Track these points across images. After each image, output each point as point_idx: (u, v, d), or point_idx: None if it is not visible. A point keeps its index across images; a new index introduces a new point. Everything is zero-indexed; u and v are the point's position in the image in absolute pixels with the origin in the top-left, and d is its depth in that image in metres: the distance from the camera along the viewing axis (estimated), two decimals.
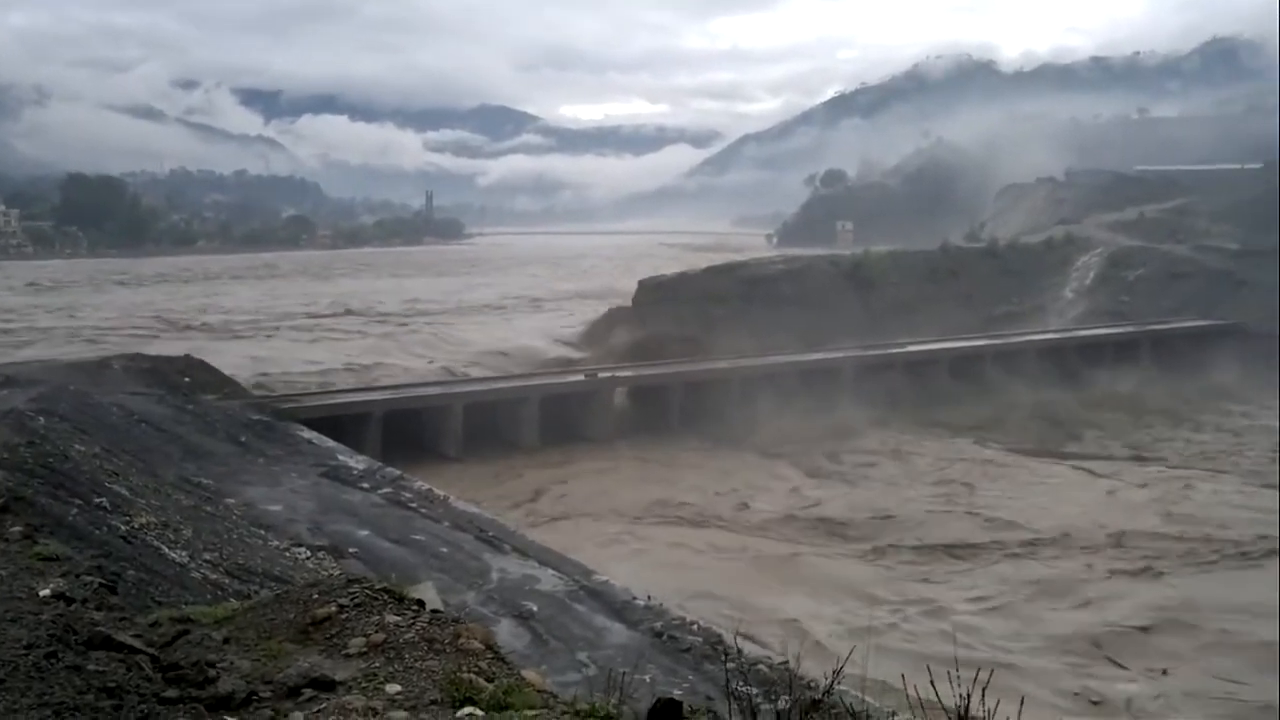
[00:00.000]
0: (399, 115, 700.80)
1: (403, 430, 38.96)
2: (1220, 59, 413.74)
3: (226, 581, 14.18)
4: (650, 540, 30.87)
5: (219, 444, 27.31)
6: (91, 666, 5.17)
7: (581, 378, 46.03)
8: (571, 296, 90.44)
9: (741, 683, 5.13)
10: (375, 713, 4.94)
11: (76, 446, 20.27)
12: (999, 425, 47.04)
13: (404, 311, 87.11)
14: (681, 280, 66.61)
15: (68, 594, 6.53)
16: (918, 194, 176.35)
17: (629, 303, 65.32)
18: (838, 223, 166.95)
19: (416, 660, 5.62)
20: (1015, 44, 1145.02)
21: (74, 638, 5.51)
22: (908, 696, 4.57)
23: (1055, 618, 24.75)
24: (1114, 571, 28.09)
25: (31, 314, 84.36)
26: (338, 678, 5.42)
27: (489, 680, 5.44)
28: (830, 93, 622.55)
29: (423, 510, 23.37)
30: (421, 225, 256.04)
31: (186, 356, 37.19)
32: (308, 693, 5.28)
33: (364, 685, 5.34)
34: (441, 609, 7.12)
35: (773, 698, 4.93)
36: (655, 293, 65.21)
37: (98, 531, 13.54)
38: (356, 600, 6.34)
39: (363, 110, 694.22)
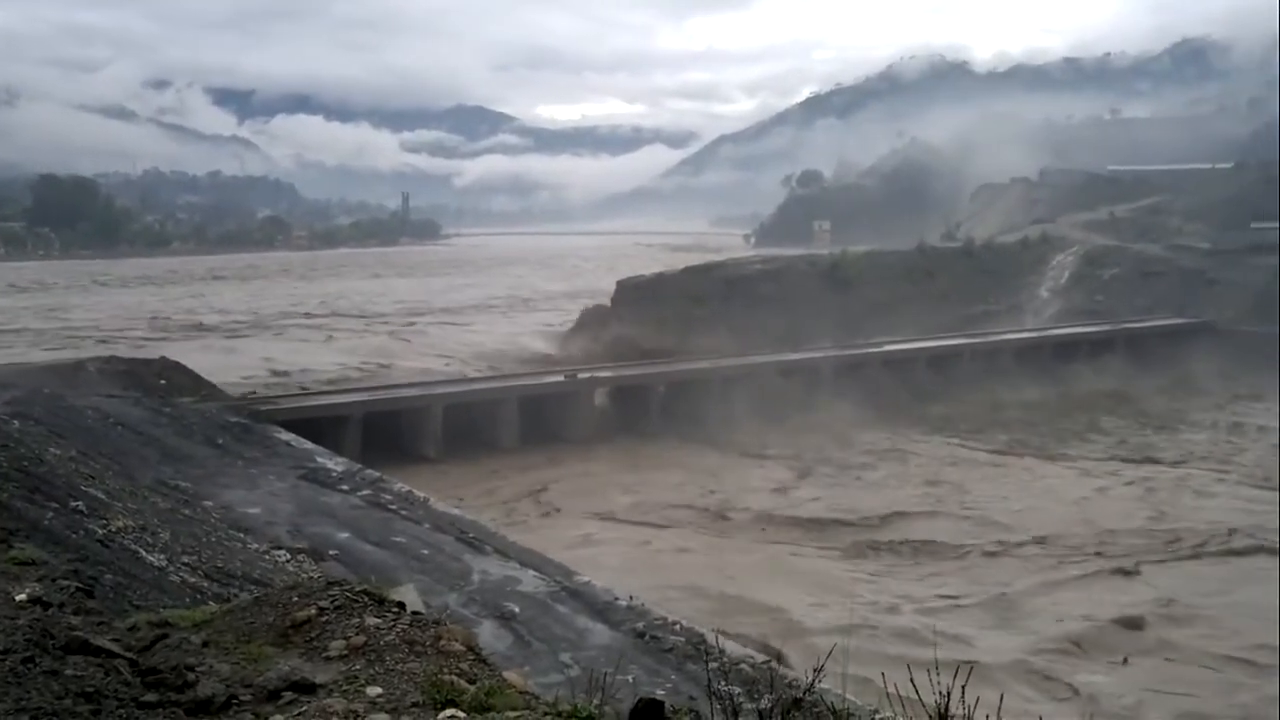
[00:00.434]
0: (374, 115, 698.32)
1: (382, 432, 38.80)
2: (1190, 60, 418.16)
3: (205, 585, 14.09)
4: (627, 540, 30.85)
5: (196, 447, 27.14)
6: (69, 671, 5.13)
7: (561, 378, 45.97)
8: (560, 296, 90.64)
9: (724, 682, 5.14)
10: (356, 715, 4.92)
11: (52, 450, 20.09)
12: (977, 423, 47.37)
13: (400, 312, 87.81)
14: (660, 280, 66.74)
15: (44, 598, 6.47)
16: (894, 194, 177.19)
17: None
18: (815, 223, 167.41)
19: (397, 662, 5.60)
20: (988, 45, 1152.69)
21: (51, 642, 5.46)
22: (887, 694, 4.60)
23: (1030, 616, 24.92)
24: (1093, 569, 28.29)
25: (20, 316, 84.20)
26: (318, 681, 5.40)
27: (471, 682, 5.43)
28: (806, 93, 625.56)
29: (403, 512, 23.30)
30: (398, 226, 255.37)
31: (162, 358, 36.95)
32: (288, 696, 5.25)
33: (345, 688, 5.31)
34: (423, 611, 7.10)
35: (755, 697, 4.94)
36: (634, 293, 65.28)
37: (74, 535, 13.44)
38: (337, 603, 6.32)
39: (337, 110, 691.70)
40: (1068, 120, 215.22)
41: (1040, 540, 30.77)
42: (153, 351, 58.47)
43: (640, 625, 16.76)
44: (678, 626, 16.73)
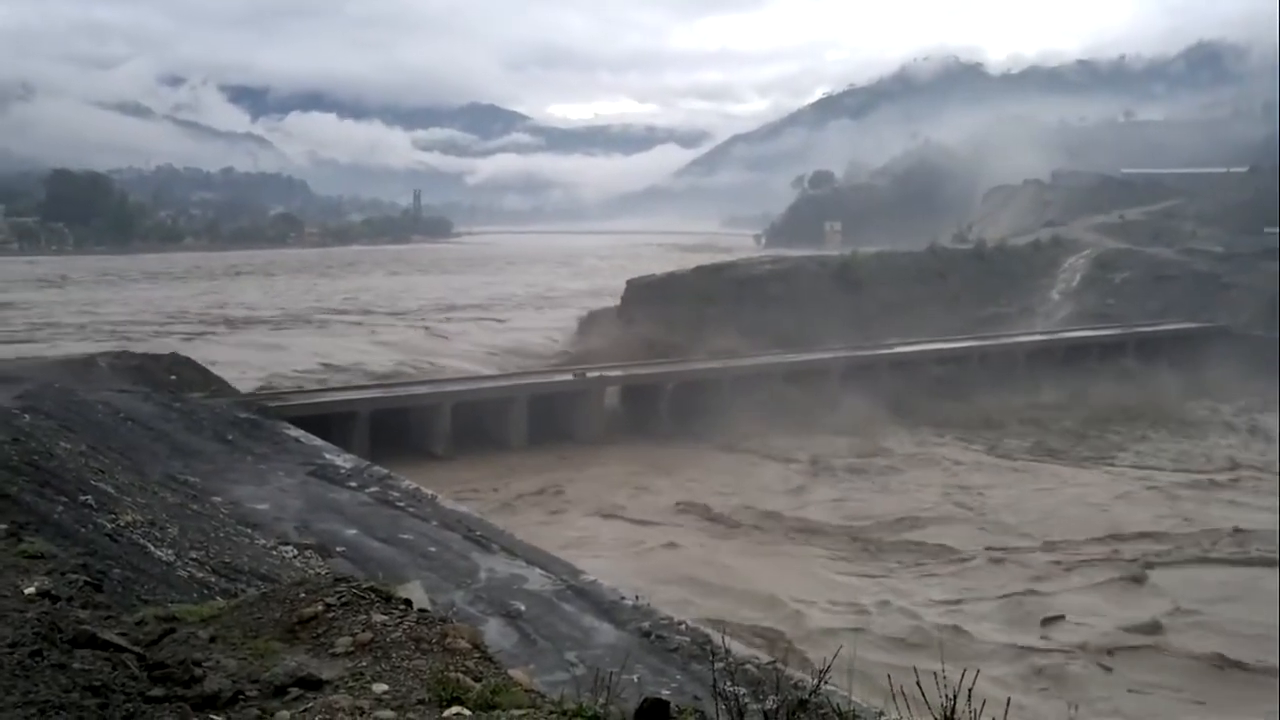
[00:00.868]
0: (387, 113, 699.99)
1: (390, 429, 38.86)
2: (1205, 63, 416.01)
3: (213, 580, 14.13)
4: (631, 539, 30.86)
5: (206, 442, 27.22)
6: (77, 665, 5.14)
7: (570, 377, 45.97)
8: (584, 294, 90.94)
9: (729, 682, 5.14)
10: (362, 712, 4.93)
11: (62, 444, 20.17)
12: (988, 426, 47.25)
13: (430, 308, 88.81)
14: (671, 280, 66.70)
15: (53, 592, 6.50)
16: (905, 195, 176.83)
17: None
18: (826, 223, 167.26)
19: (404, 659, 5.61)
20: (1002, 47, 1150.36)
21: (59, 636, 5.48)
22: (894, 697, 4.58)
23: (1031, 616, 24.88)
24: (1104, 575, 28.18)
25: (54, 310, 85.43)
26: (324, 677, 5.41)
27: (476, 680, 5.43)
28: (819, 94, 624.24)
29: (410, 509, 23.33)
30: (410, 224, 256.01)
31: (173, 354, 37.08)
32: (294, 692, 5.26)
33: (351, 684, 5.32)
34: (429, 608, 7.12)
35: (760, 697, 4.92)
36: (645, 292, 65.26)
37: (83, 529, 13.49)
38: (344, 599, 6.33)
39: (351, 108, 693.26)
40: (1081, 122, 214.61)
41: (1052, 545, 30.65)
42: (200, 346, 60.17)
43: (646, 625, 16.76)
44: (683, 626, 16.73)
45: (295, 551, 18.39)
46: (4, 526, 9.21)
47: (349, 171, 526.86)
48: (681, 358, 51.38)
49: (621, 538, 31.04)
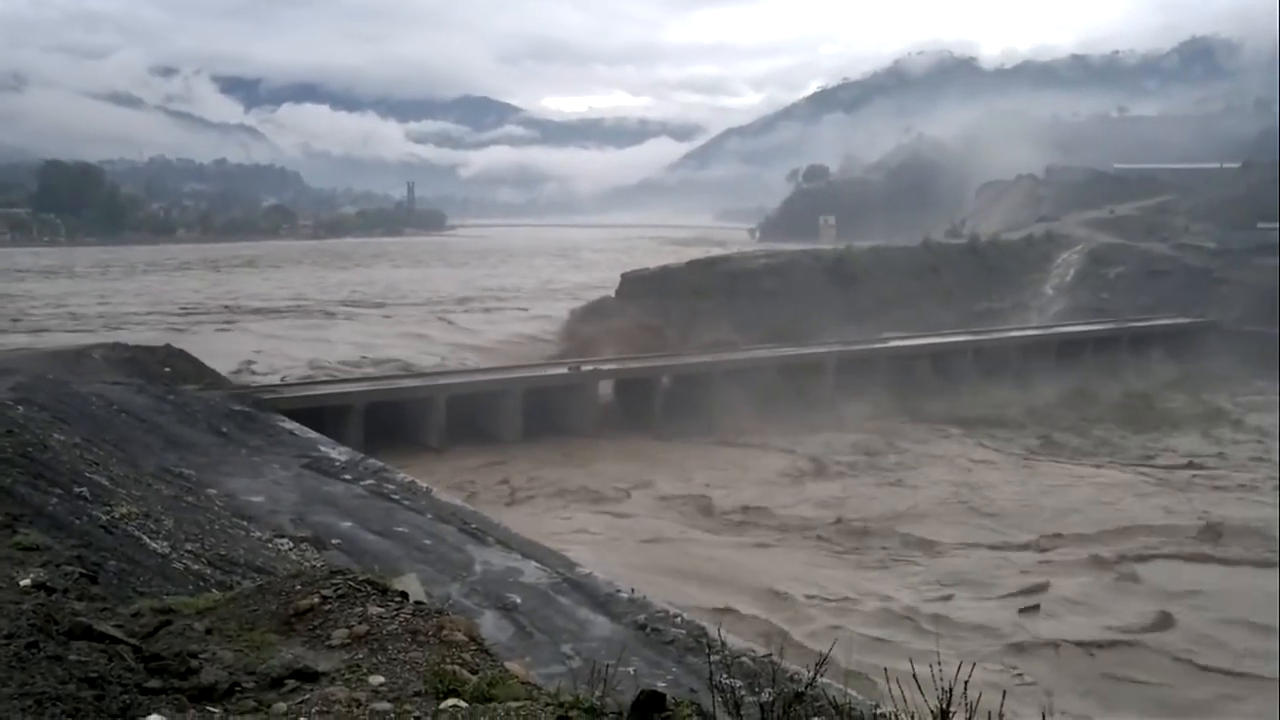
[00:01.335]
0: (381, 105, 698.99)
1: (385, 422, 38.83)
2: (1198, 58, 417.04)
3: (208, 572, 14.11)
4: (623, 531, 30.89)
5: (200, 434, 27.17)
6: (73, 657, 5.14)
7: (565, 371, 45.96)
8: (589, 287, 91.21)
9: (725, 675, 5.15)
10: (359, 704, 4.93)
11: (56, 436, 20.11)
12: (980, 420, 47.33)
13: (443, 299, 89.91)
14: (665, 274, 66.70)
15: (48, 584, 6.49)
16: (899, 190, 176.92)
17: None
18: (820, 218, 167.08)
19: (400, 652, 5.61)
20: (996, 41, 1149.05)
21: (55, 628, 5.48)
22: (890, 690, 4.60)
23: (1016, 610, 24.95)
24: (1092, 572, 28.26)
25: (67, 300, 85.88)
26: (321, 669, 5.41)
27: (473, 672, 5.44)
28: (813, 88, 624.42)
29: (405, 502, 23.33)
30: (403, 216, 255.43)
31: (167, 346, 36.99)
32: (291, 684, 5.26)
33: (347, 676, 5.33)
34: (425, 601, 7.12)
35: (756, 690, 4.94)
36: (639, 286, 65.25)
37: (78, 521, 13.46)
38: (339, 591, 6.33)
39: (344, 100, 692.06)
40: (1075, 118, 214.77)
41: (1049, 541, 30.71)
42: (233, 336, 60.59)
43: (642, 617, 16.79)
44: (679, 619, 16.76)
45: (291, 544, 18.37)
46: None
47: (342, 163, 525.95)
48: (675, 351, 51.38)
49: (613, 530, 31.05)
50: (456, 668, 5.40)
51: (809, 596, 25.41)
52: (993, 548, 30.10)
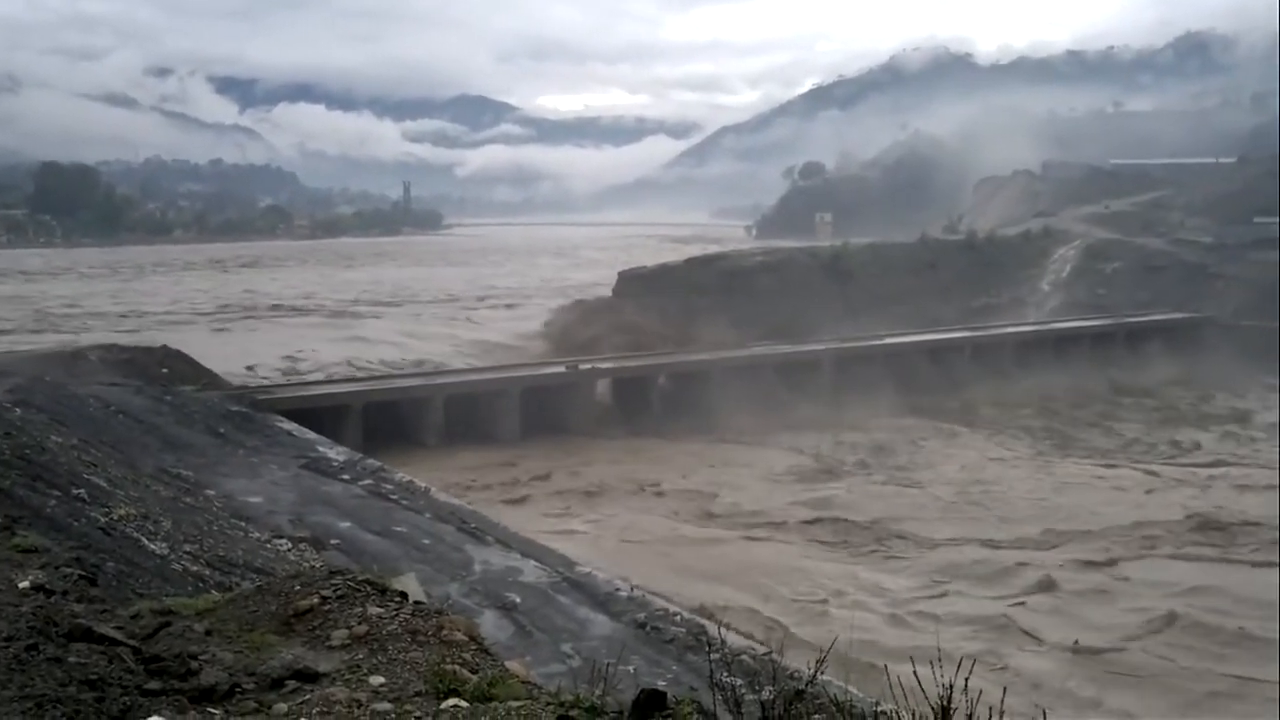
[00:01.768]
0: (377, 104, 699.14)
1: (383, 422, 38.80)
2: (1193, 53, 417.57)
3: (207, 573, 14.10)
4: (622, 528, 30.90)
5: (198, 435, 27.13)
6: (73, 659, 5.13)
7: (562, 369, 45.95)
8: (599, 284, 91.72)
9: (725, 673, 5.15)
10: (359, 704, 4.93)
11: (54, 438, 20.08)
12: (977, 415, 47.40)
13: (462, 298, 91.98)
14: (662, 272, 66.70)
15: (47, 586, 6.49)
16: (896, 186, 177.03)
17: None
18: (817, 215, 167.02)
19: (400, 652, 5.61)
20: (992, 37, 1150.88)
21: (55, 630, 5.47)
22: (890, 687, 4.60)
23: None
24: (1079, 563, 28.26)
25: (85, 300, 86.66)
26: (321, 669, 5.41)
27: (473, 672, 5.44)
28: (808, 85, 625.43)
29: (404, 502, 23.31)
30: (400, 216, 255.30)
31: (164, 347, 36.91)
32: (291, 684, 5.26)
33: (347, 677, 5.32)
34: (424, 601, 7.11)
35: (757, 688, 4.95)
36: (636, 284, 65.24)
37: (77, 523, 13.44)
38: (339, 592, 6.32)
39: (340, 99, 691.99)
40: (1070, 113, 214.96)
41: (1053, 538, 30.71)
42: (270, 336, 60.94)
43: (641, 616, 16.79)
44: (679, 618, 16.76)
45: (289, 544, 18.36)
46: None
47: (338, 163, 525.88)
48: (672, 350, 51.38)
49: (613, 528, 31.04)
50: (457, 667, 5.40)
51: (805, 593, 25.44)
52: (995, 545, 30.05)
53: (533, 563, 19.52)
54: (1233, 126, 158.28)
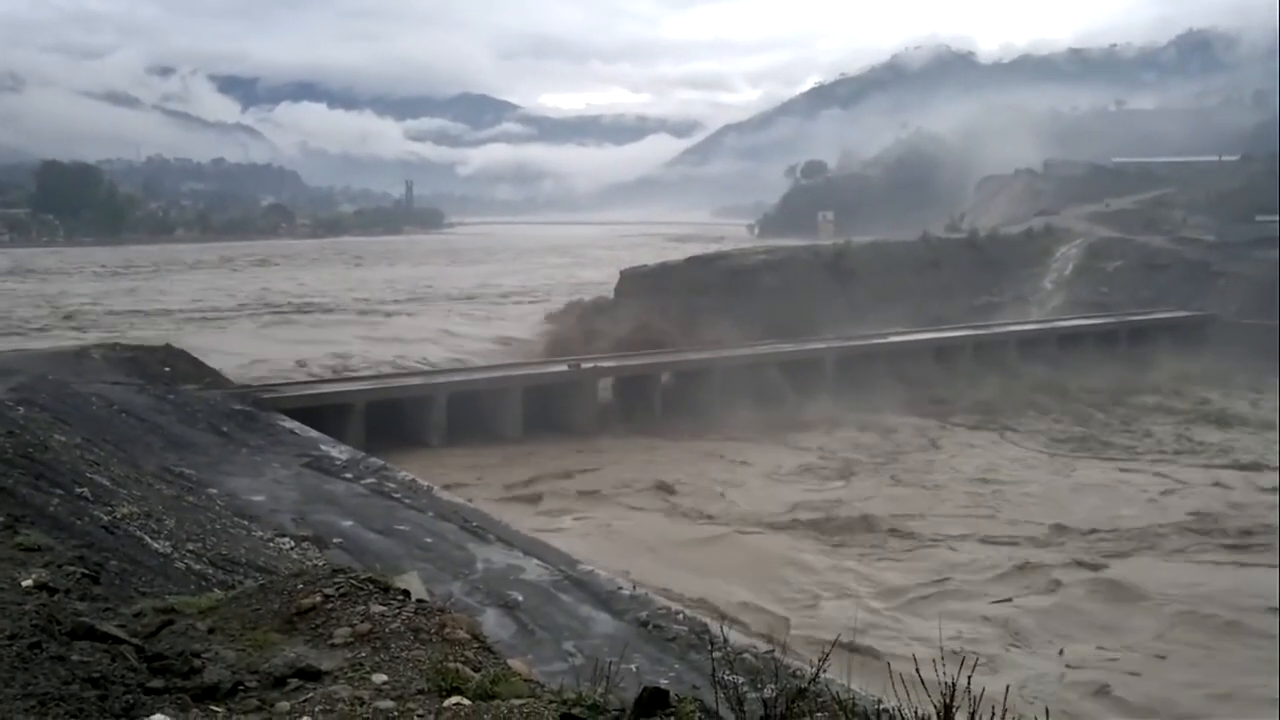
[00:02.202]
0: (378, 103, 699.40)
1: (385, 420, 38.83)
2: (1195, 51, 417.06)
3: (210, 572, 14.11)
4: (623, 527, 30.89)
5: (201, 434, 27.16)
6: (76, 657, 5.15)
7: (564, 368, 45.95)
8: (605, 282, 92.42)
9: (728, 671, 5.15)
10: (362, 702, 4.94)
11: (57, 436, 20.11)
12: (980, 414, 47.31)
13: (483, 295, 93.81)
14: (664, 270, 66.71)
15: (50, 584, 6.50)
16: (898, 184, 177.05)
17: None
18: (819, 213, 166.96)
19: (402, 650, 5.62)
20: (994, 36, 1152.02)
21: (58, 628, 5.49)
22: (893, 685, 4.60)
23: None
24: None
25: (109, 297, 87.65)
26: (324, 668, 5.42)
27: (475, 670, 5.45)
28: (810, 83, 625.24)
29: (407, 500, 23.32)
30: (401, 214, 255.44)
31: (167, 346, 36.95)
32: (294, 683, 5.27)
33: (350, 675, 5.33)
34: (427, 599, 7.12)
35: (759, 686, 4.95)
36: (638, 283, 65.24)
37: (79, 522, 13.46)
38: (342, 590, 6.33)
39: (342, 98, 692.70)
40: (1073, 111, 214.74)
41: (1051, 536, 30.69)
42: (308, 335, 63.54)
43: (644, 614, 16.79)
44: (681, 616, 16.77)
45: (292, 543, 18.37)
46: (0, 519, 9.20)
47: (339, 162, 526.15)
48: (675, 348, 51.38)
49: (615, 527, 31.04)
50: (459, 666, 5.41)
51: (806, 590, 25.46)
52: (1000, 543, 30.00)
53: (535, 561, 19.53)
54: (1235, 124, 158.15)
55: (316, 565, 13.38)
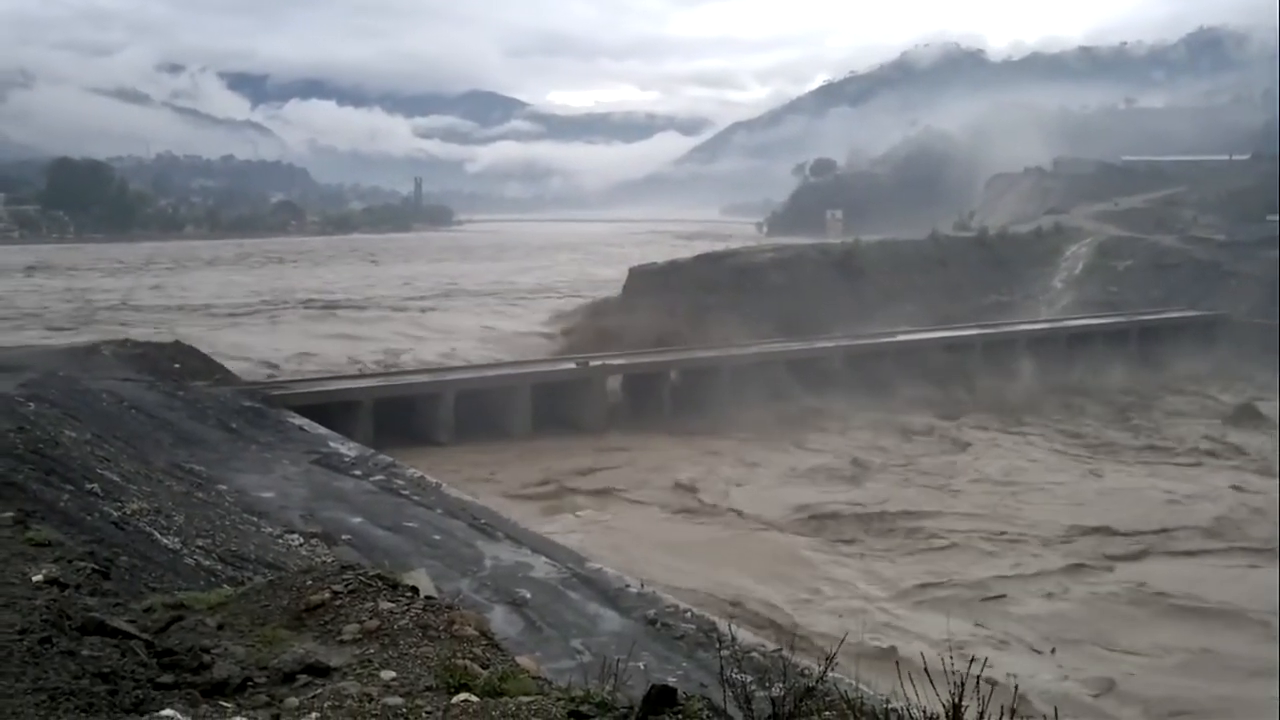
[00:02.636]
0: (388, 100, 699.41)
1: (394, 418, 38.86)
2: (1206, 49, 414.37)
3: (219, 568, 14.16)
4: (629, 524, 30.90)
5: (210, 430, 27.25)
6: (86, 652, 5.17)
7: (573, 366, 45.95)
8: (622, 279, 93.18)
9: (736, 670, 5.16)
10: (370, 699, 4.95)
11: (67, 432, 20.20)
12: (988, 413, 47.18)
13: (512, 291, 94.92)
14: (672, 268, 66.64)
15: (61, 579, 6.53)
16: (907, 183, 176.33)
17: None
18: (827, 211, 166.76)
19: (411, 646, 5.63)
20: (1004, 33, 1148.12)
21: (68, 623, 5.51)
22: (901, 685, 4.60)
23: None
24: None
25: (136, 293, 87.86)
26: (332, 664, 5.43)
27: (484, 667, 5.46)
28: (819, 81, 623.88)
29: (415, 497, 23.37)
30: (411, 212, 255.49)
31: (176, 343, 37.08)
32: (303, 679, 5.29)
33: (359, 671, 5.35)
34: (435, 596, 7.14)
35: (767, 685, 4.95)
36: (646, 281, 65.19)
37: (89, 518, 13.51)
38: (350, 587, 6.35)
39: (351, 95, 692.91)
40: (1083, 110, 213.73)
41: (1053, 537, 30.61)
42: (349, 330, 64.70)
43: (651, 612, 16.80)
44: (688, 614, 16.77)
45: (301, 539, 18.43)
46: (11, 514, 9.24)
47: (349, 159, 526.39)
48: (684, 346, 51.33)
49: (622, 523, 31.06)
50: (467, 662, 5.42)
51: (807, 590, 25.44)
52: (1010, 543, 29.92)
53: (543, 558, 19.55)
54: (1246, 123, 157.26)
55: (325, 562, 13.42)
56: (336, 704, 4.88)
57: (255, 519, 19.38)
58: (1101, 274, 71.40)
